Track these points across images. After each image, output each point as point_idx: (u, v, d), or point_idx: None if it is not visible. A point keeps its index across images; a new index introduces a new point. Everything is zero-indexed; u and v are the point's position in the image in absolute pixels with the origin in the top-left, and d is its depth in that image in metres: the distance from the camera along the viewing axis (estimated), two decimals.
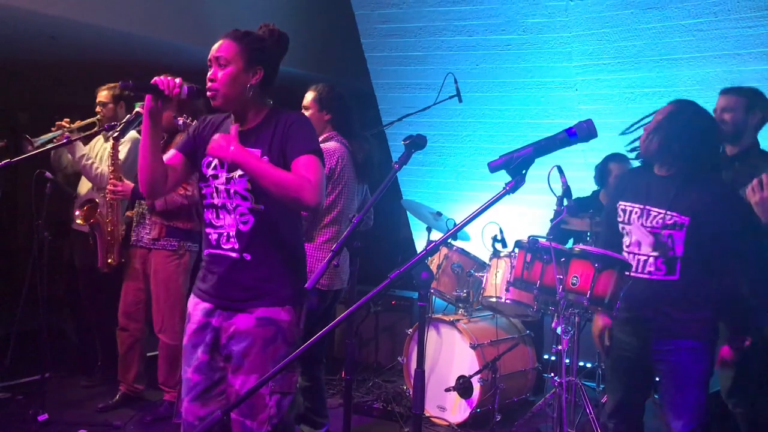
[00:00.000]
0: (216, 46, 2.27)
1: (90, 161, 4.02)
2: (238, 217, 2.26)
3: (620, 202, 2.75)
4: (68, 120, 4.07)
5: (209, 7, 5.12)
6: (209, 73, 2.26)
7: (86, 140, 4.22)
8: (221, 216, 2.30)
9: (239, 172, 2.24)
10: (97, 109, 4.24)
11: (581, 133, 1.76)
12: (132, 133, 4.08)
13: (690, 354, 2.56)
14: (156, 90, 2.21)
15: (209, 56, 2.27)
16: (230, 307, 2.28)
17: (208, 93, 2.25)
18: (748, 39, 4.19)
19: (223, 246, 2.29)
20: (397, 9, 5.09)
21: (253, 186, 2.23)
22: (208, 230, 2.33)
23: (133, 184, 3.86)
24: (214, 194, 2.31)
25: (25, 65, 5.65)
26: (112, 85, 4.27)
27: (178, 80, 2.23)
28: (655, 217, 2.61)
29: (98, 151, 4.25)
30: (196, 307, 2.35)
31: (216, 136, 2.20)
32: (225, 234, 2.29)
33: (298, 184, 2.15)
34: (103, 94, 4.24)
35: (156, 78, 2.22)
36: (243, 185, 2.24)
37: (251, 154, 2.17)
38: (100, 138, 4.31)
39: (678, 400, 2.59)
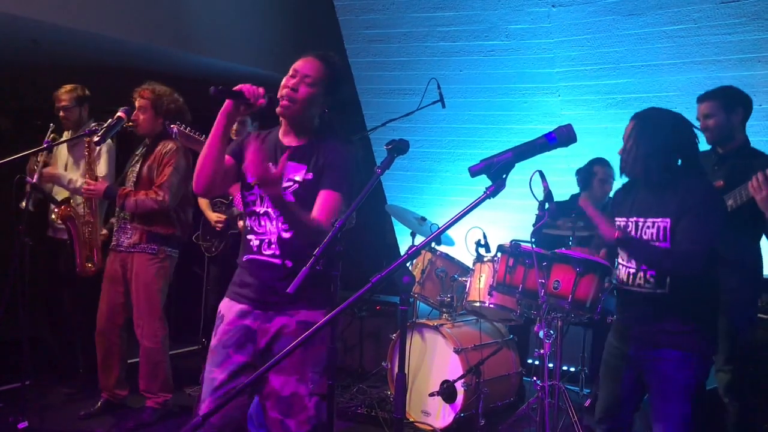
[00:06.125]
0: (304, 62, 2.37)
1: (76, 183, 4.01)
2: (280, 224, 2.34)
3: (616, 218, 2.75)
4: (54, 134, 4.02)
5: (192, 12, 5.11)
6: (290, 82, 2.34)
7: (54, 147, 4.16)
8: (263, 223, 2.39)
9: (286, 184, 2.33)
10: (61, 114, 4.17)
11: (561, 138, 1.78)
12: (107, 142, 4.06)
13: (674, 363, 2.54)
14: (242, 97, 2.26)
15: (295, 66, 2.38)
16: (270, 309, 2.35)
17: (282, 100, 2.33)
18: (728, 45, 4.25)
19: (264, 252, 2.38)
20: (381, 15, 5.11)
21: (296, 197, 2.32)
22: (249, 237, 2.42)
23: (106, 183, 3.87)
24: (258, 202, 2.40)
25: (7, 69, 5.60)
26: (69, 87, 4.18)
27: (261, 90, 2.29)
28: (641, 227, 2.61)
29: (65, 160, 4.22)
30: (231, 308, 2.41)
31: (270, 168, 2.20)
32: (267, 240, 2.38)
33: (311, 226, 2.26)
34: (64, 98, 4.16)
35: (241, 86, 2.28)
36: (288, 197, 2.32)
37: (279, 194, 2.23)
38: (63, 145, 4.25)
39: (660, 407, 2.58)
